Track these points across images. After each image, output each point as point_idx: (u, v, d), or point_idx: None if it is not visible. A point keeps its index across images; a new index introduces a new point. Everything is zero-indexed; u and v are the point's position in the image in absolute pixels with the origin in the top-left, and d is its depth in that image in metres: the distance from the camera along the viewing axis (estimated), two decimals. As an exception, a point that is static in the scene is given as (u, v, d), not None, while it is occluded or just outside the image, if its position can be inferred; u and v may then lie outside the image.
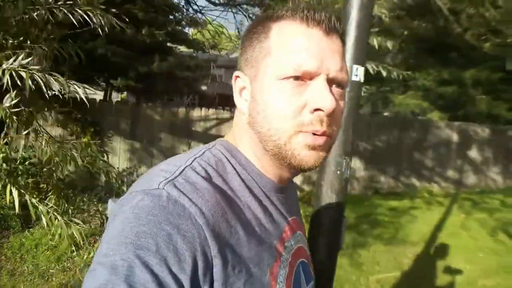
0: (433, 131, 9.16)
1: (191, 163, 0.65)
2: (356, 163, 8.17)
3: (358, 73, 1.60)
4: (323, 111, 0.63)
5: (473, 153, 9.51)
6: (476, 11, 8.52)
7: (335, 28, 0.67)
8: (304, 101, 0.64)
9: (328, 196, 1.65)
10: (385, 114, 12.99)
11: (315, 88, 0.64)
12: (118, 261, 0.51)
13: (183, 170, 0.63)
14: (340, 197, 1.65)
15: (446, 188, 9.06)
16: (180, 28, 8.93)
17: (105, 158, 5.21)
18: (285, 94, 0.64)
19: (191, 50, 9.81)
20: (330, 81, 0.65)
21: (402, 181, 8.71)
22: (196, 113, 7.11)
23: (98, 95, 7.94)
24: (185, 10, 9.33)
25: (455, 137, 9.34)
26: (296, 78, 0.64)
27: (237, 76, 0.72)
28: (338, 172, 1.63)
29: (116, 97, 11.40)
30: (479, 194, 8.63)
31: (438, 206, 7.50)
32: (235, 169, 0.70)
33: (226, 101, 12.13)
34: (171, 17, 8.53)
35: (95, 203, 5.46)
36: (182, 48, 9.65)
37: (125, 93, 13.87)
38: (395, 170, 8.67)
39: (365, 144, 8.10)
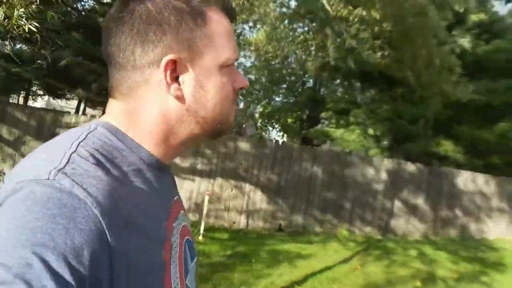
0: (358, 167, 8.21)
1: (76, 149, 0.61)
2: (257, 195, 7.32)
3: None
4: (244, 88, 0.78)
5: (405, 194, 8.65)
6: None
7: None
8: (236, 83, 0.75)
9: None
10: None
11: (235, 71, 0.75)
12: (15, 259, 0.48)
13: (70, 157, 0.59)
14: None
15: (366, 232, 8.12)
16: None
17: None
18: (228, 79, 0.72)
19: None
20: None
21: (315, 220, 7.81)
22: (67, 118, 6.85)
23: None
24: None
25: (384, 175, 8.43)
26: (232, 65, 0.73)
27: (173, 61, 0.67)
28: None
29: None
30: (398, 243, 7.82)
31: (338, 252, 6.61)
32: (121, 152, 0.67)
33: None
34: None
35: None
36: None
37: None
38: (306, 207, 7.73)
39: (269, 175, 7.24)
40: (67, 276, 0.49)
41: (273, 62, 14.66)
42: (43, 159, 0.60)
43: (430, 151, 9.99)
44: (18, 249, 0.48)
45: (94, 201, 0.55)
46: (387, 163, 8.65)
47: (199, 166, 7.24)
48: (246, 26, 13.12)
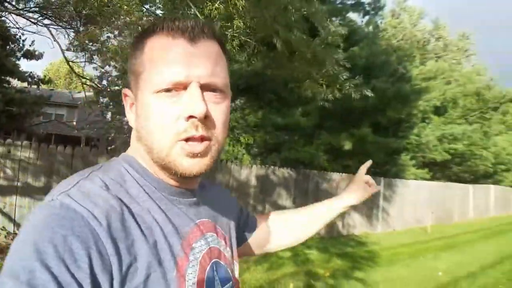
0: (231, 173, 8.25)
1: (87, 176, 0.68)
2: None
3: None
4: (196, 117, 0.66)
5: (275, 197, 9.01)
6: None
7: (202, 32, 0.70)
8: (178, 111, 0.67)
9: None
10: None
11: (187, 96, 0.67)
12: (21, 268, 0.53)
13: (78, 182, 0.66)
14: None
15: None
16: (14, 59, 8.06)
17: None
18: (161, 107, 0.67)
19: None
20: (204, 87, 0.68)
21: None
22: None
23: None
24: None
25: (254, 180, 8.61)
26: (168, 90, 0.67)
27: (125, 94, 0.76)
28: None
29: None
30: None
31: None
32: (133, 177, 0.72)
33: (63, 141, 10.95)
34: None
35: None
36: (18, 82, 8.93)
37: None
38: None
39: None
40: (68, 278, 0.54)
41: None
42: (59, 186, 0.66)
43: (297, 156, 10.39)
44: (24, 259, 0.54)
45: (90, 214, 0.60)
46: (257, 169, 8.85)
47: (54, 186, 6.62)
48: (111, 35, 12.56)
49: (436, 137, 15.65)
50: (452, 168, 18.37)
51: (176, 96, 0.68)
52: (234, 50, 5.66)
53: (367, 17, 13.10)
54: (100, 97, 13.30)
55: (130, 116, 0.76)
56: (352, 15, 12.39)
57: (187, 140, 0.68)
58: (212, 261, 0.77)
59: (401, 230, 13.27)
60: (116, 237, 0.61)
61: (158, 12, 10.56)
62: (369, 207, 11.66)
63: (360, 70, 9.84)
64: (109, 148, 12.60)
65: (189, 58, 0.68)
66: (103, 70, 13.67)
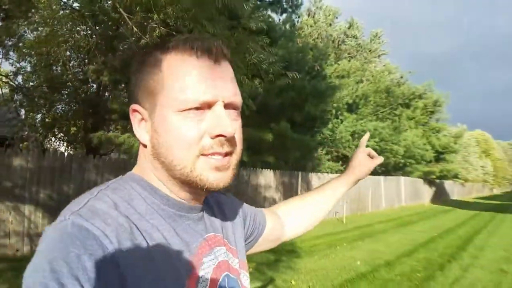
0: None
1: (96, 195, 0.69)
2: (38, 216, 6.47)
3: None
4: (224, 136, 0.69)
5: None
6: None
7: (223, 54, 0.73)
8: (204, 129, 0.69)
9: None
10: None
11: (214, 116, 0.69)
12: (38, 285, 0.55)
13: (87, 201, 0.67)
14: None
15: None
16: None
17: None
18: (186, 124, 0.68)
19: None
20: (226, 106, 0.71)
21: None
22: None
23: None
24: None
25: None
26: (197, 108, 0.69)
27: (135, 110, 0.74)
28: None
29: None
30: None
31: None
32: (141, 195, 0.73)
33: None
34: None
35: None
36: None
37: None
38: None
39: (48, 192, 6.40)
40: None
41: (54, 67, 13.40)
42: (69, 206, 0.67)
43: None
44: (40, 276, 0.56)
45: (101, 232, 0.61)
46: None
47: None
48: (27, 29, 11.71)
49: (349, 133, 16.31)
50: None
51: (202, 114, 0.69)
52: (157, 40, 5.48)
53: (284, 15, 13.33)
54: (15, 94, 12.45)
55: (141, 133, 0.75)
56: (271, 13, 12.52)
57: (209, 154, 0.70)
58: (222, 275, 0.78)
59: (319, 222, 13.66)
60: (128, 255, 0.62)
61: (75, 5, 10.01)
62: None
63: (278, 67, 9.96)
64: (21, 146, 11.74)
65: (215, 79, 0.70)
66: (18, 65, 12.80)
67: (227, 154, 0.71)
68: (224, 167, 0.71)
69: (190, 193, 0.76)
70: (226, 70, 0.73)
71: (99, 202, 0.67)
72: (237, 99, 0.73)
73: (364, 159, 1.28)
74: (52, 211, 6.54)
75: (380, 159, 1.30)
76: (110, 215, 0.65)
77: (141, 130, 0.75)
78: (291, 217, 1.21)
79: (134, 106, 0.74)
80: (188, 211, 0.77)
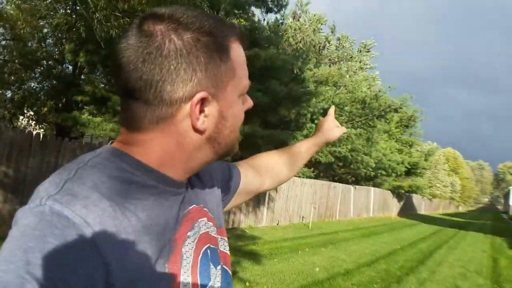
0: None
1: (74, 174, 0.64)
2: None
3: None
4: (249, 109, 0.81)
5: None
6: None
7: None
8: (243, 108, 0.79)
9: None
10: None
11: (246, 96, 0.80)
12: (10, 279, 0.52)
13: (65, 182, 0.62)
14: None
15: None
16: None
17: None
18: (241, 107, 0.78)
19: None
20: None
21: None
22: None
23: None
24: None
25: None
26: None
27: (204, 98, 0.70)
28: None
29: None
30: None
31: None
32: (123, 172, 0.69)
33: None
34: None
35: None
36: None
37: None
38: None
39: (5, 169, 6.14)
40: None
41: (29, 44, 12.99)
42: (44, 187, 0.63)
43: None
44: (12, 269, 0.52)
45: (82, 220, 0.57)
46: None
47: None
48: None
49: (323, 138, 16.33)
50: (335, 169, 19.37)
51: (244, 97, 0.79)
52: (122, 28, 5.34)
53: (270, 14, 13.25)
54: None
55: (202, 120, 0.71)
56: (255, 11, 12.43)
57: None
58: (204, 247, 0.79)
59: (285, 225, 13.70)
60: (111, 241, 0.60)
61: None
62: (255, 201, 11.82)
63: (258, 70, 9.92)
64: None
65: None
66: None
67: None
68: None
69: (185, 173, 0.76)
70: None
71: (78, 184, 0.62)
72: None
73: (333, 125, 1.40)
74: (7, 190, 6.33)
75: (344, 129, 1.43)
76: (91, 199, 0.61)
77: (201, 117, 0.71)
78: (268, 169, 1.26)
79: (202, 94, 0.69)
80: (175, 186, 0.76)
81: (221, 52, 0.70)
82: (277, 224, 13.45)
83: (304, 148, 1.35)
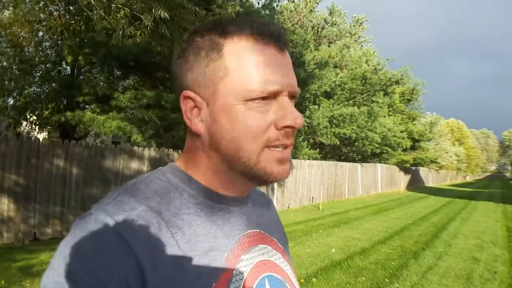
0: (121, 159, 7.77)
1: (129, 188, 0.66)
2: (3, 203, 6.17)
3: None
4: (293, 128, 0.67)
5: None
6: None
7: (285, 42, 0.68)
8: (271, 120, 0.65)
9: None
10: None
11: (281, 106, 0.66)
12: (49, 285, 0.55)
13: (118, 195, 0.64)
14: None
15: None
16: None
17: None
18: (252, 115, 0.65)
19: None
20: (289, 96, 0.68)
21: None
22: None
23: None
24: None
25: (147, 165, 8.23)
26: (263, 98, 0.65)
27: (187, 96, 0.68)
28: None
29: None
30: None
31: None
32: (176, 188, 0.69)
33: None
34: None
35: None
36: None
37: None
38: (62, 209, 6.88)
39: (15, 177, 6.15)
40: None
41: (26, 49, 12.92)
42: (101, 199, 0.65)
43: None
44: (55, 276, 0.55)
45: (123, 229, 0.58)
46: (152, 152, 8.51)
47: None
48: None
49: (326, 120, 16.31)
50: (341, 149, 19.36)
51: (267, 105, 0.66)
52: (123, 22, 5.29)
53: None
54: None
55: (195, 121, 0.69)
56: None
57: (272, 146, 0.67)
58: (263, 275, 0.72)
59: (296, 208, 13.73)
60: (151, 252, 0.59)
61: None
62: (264, 186, 11.83)
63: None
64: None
65: (281, 68, 0.66)
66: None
67: (286, 146, 0.68)
68: (286, 160, 0.69)
69: (242, 185, 0.73)
70: (288, 57, 0.70)
71: (129, 197, 0.64)
72: (298, 89, 0.70)
73: None
74: (19, 198, 6.34)
75: None
76: (136, 210, 0.61)
77: (194, 118, 0.69)
78: None
79: (186, 93, 0.68)
80: (229, 204, 0.73)
81: (210, 50, 0.67)
82: (288, 207, 13.49)
83: None
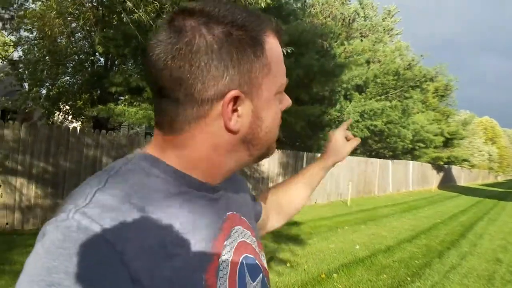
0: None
1: (104, 184, 0.61)
2: (31, 190, 6.31)
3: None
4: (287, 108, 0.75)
5: None
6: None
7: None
8: (281, 107, 0.73)
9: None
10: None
11: (284, 94, 0.74)
12: None
13: (94, 193, 0.59)
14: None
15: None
16: None
17: None
18: (277, 106, 0.71)
19: None
20: None
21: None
22: None
23: None
24: None
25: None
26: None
27: (237, 97, 0.65)
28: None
29: None
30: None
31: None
32: (157, 179, 0.66)
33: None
34: None
35: None
36: None
37: None
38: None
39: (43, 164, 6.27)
40: None
41: (59, 40, 13.17)
42: (74, 197, 0.59)
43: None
44: None
45: (112, 236, 0.54)
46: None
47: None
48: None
49: (357, 114, 16.09)
50: (372, 145, 19.08)
51: (281, 95, 0.72)
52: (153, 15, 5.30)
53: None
54: (15, 67, 12.27)
55: (235, 120, 0.66)
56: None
57: None
58: (242, 257, 0.74)
59: (323, 203, 13.62)
60: (142, 256, 0.56)
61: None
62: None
63: (285, 46, 9.71)
64: (25, 121, 11.61)
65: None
66: (18, 35, 12.55)
67: None
68: None
69: (220, 176, 0.73)
70: None
71: (108, 195, 0.59)
72: None
73: (342, 141, 1.26)
74: (48, 185, 6.47)
75: (357, 141, 1.28)
76: (121, 211, 0.58)
77: (234, 117, 0.66)
78: (274, 211, 1.18)
79: (235, 93, 0.64)
80: (210, 191, 0.73)
81: (255, 47, 0.65)
82: (315, 202, 13.39)
83: (309, 175, 1.25)
